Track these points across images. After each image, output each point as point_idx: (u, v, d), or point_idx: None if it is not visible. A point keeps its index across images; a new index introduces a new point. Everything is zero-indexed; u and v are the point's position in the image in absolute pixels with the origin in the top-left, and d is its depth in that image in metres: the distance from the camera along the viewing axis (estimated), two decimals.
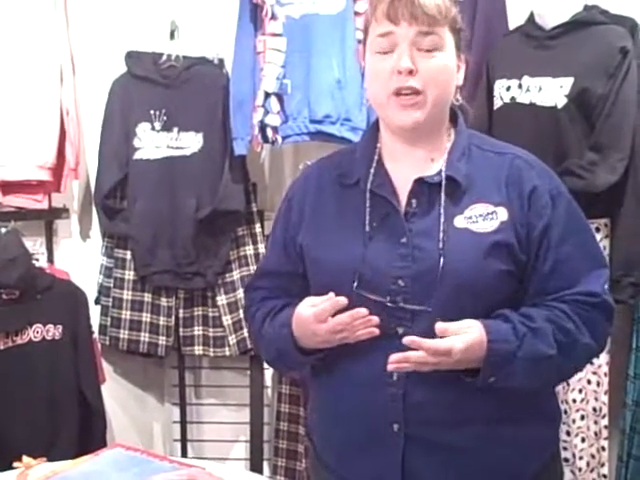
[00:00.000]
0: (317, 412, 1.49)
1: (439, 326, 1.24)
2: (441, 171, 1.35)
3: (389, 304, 1.30)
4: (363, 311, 1.28)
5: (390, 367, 1.26)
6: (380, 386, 1.32)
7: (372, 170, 1.39)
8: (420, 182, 1.35)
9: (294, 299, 1.41)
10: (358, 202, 1.37)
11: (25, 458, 1.68)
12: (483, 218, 1.32)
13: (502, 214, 1.32)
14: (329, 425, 1.44)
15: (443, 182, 1.34)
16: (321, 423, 1.47)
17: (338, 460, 1.42)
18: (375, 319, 1.28)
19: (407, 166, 1.37)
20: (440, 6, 1.31)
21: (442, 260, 1.29)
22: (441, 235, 1.30)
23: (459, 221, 1.32)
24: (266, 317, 1.45)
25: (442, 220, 1.32)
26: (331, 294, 1.30)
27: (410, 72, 1.29)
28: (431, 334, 1.25)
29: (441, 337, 1.24)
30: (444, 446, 1.32)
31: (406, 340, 1.24)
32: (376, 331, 1.28)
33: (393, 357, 1.25)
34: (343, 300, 1.28)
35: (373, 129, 1.44)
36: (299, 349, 1.37)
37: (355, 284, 1.32)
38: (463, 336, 1.24)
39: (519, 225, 1.32)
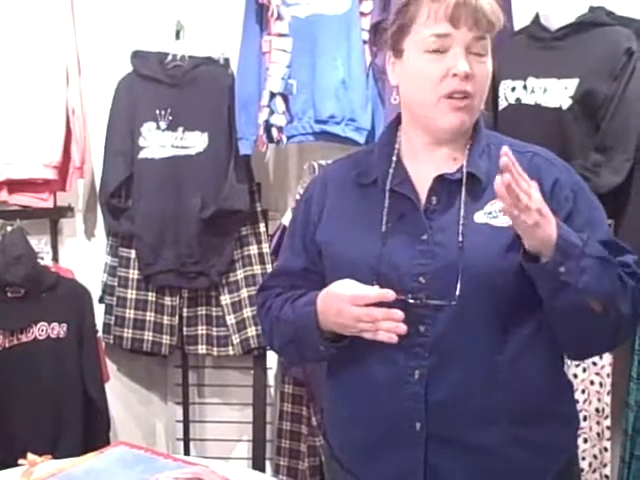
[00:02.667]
0: (334, 412, 1.48)
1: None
2: (462, 168, 1.35)
3: (411, 301, 1.30)
4: (400, 314, 1.26)
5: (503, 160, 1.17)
6: (401, 385, 1.32)
7: (391, 170, 1.39)
8: (440, 179, 1.35)
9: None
10: (376, 201, 1.38)
11: (30, 455, 1.68)
12: (503, 213, 1.30)
13: None
14: (347, 425, 1.43)
15: (464, 178, 1.34)
16: (338, 423, 1.46)
17: (357, 461, 1.41)
18: (403, 328, 1.26)
19: (427, 165, 1.38)
20: (497, 12, 1.31)
21: (462, 255, 1.29)
22: (460, 230, 1.31)
23: (479, 216, 1.32)
24: (286, 302, 1.44)
25: (462, 215, 1.32)
26: (377, 287, 1.29)
27: (466, 76, 1.29)
28: (453, 331, 1.25)
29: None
30: (466, 445, 1.32)
31: (503, 151, 1.17)
32: (395, 338, 1.27)
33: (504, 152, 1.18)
34: (392, 294, 1.26)
35: (391, 129, 1.44)
36: (319, 330, 1.35)
37: (375, 282, 1.31)
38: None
39: None
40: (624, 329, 1.34)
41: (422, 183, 1.37)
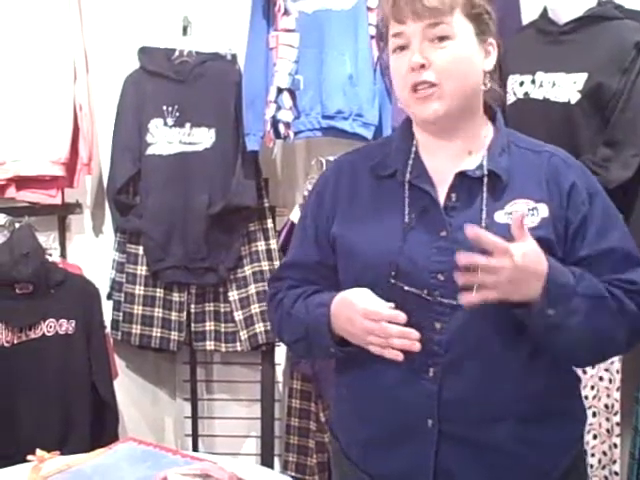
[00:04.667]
0: (343, 407, 1.47)
1: (522, 222, 1.22)
2: (482, 165, 1.34)
3: (426, 297, 1.29)
4: (415, 334, 1.26)
5: (463, 300, 1.23)
6: (415, 382, 1.32)
7: (410, 162, 1.38)
8: (461, 176, 1.34)
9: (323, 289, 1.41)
10: (395, 194, 1.37)
11: (39, 452, 1.69)
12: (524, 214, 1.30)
13: (543, 210, 1.32)
14: (357, 421, 1.42)
15: (485, 176, 1.33)
16: (348, 419, 1.45)
17: (366, 456, 1.40)
18: (418, 346, 1.27)
19: (444, 160, 1.37)
20: None
21: (483, 254, 1.26)
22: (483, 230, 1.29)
23: (500, 216, 1.32)
24: (298, 298, 1.43)
25: (484, 215, 1.31)
26: (392, 305, 1.29)
27: (422, 66, 1.30)
28: (469, 330, 1.25)
29: (517, 231, 1.23)
30: (477, 443, 1.32)
31: (469, 231, 1.21)
32: (401, 357, 1.27)
33: (462, 257, 1.22)
34: (403, 317, 1.27)
35: (408, 122, 1.44)
36: (330, 332, 1.35)
37: (393, 275, 1.31)
38: (522, 244, 1.22)
39: (558, 222, 1.32)
40: (634, 339, 1.37)
41: (441, 178, 1.36)
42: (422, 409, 1.32)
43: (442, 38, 1.30)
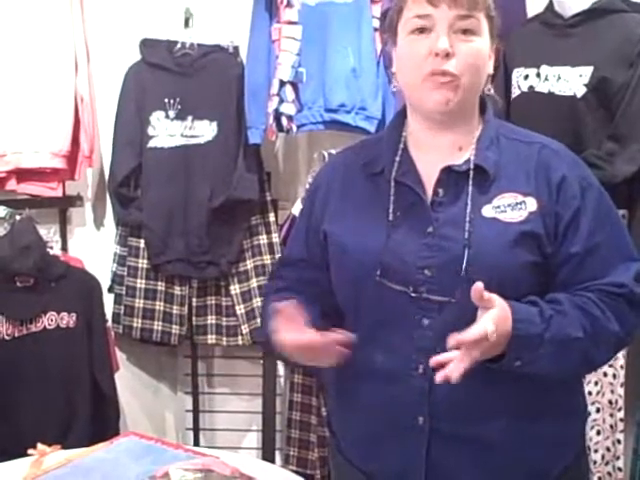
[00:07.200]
0: (337, 404, 1.47)
1: (482, 293, 1.19)
2: (469, 160, 1.33)
3: (412, 294, 1.29)
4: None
5: (439, 379, 1.21)
6: (406, 379, 1.31)
7: (397, 158, 1.37)
8: (447, 171, 1.33)
9: (314, 290, 1.42)
10: (383, 191, 1.36)
11: (40, 446, 1.68)
12: (512, 208, 1.30)
13: (531, 204, 1.30)
14: (350, 417, 1.42)
15: (471, 171, 1.32)
16: (342, 415, 1.45)
17: (360, 453, 1.40)
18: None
19: (433, 155, 1.35)
20: None
21: (468, 250, 1.27)
22: (467, 225, 1.29)
23: (487, 210, 1.30)
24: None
25: (469, 210, 1.30)
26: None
27: (447, 55, 1.27)
28: (457, 326, 1.22)
29: (481, 303, 1.20)
30: (469, 440, 1.31)
31: (452, 343, 1.19)
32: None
33: (433, 361, 1.21)
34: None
35: (399, 117, 1.42)
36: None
37: (378, 272, 1.30)
38: (489, 314, 1.20)
39: (547, 215, 1.30)
40: (615, 353, 1.41)
41: (428, 173, 1.35)
42: (412, 406, 1.31)
43: (469, 32, 1.28)
